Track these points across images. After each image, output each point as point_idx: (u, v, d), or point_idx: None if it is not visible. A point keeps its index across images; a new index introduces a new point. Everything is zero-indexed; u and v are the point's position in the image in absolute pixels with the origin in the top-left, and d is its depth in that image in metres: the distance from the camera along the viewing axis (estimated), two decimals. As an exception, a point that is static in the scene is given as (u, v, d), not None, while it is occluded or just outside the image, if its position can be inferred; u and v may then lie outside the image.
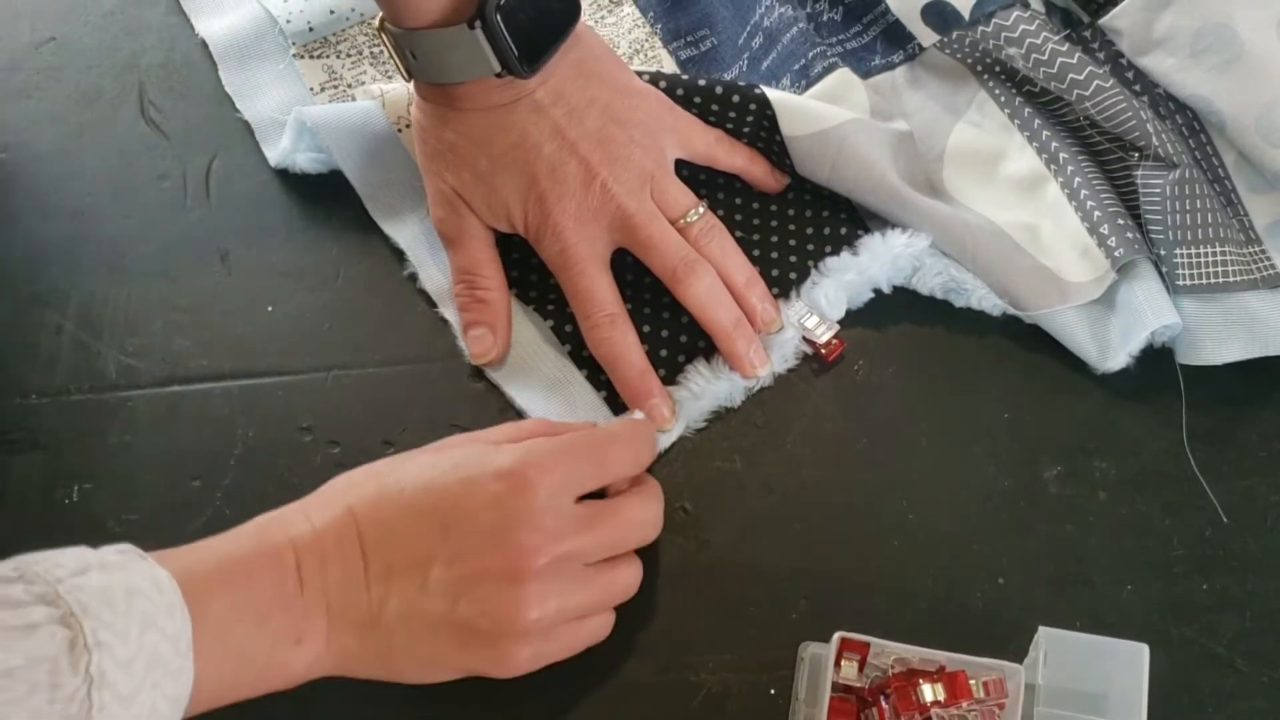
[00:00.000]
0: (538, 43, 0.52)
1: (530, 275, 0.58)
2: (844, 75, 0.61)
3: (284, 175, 0.61)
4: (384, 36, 0.53)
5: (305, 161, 0.60)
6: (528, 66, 0.52)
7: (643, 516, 0.49)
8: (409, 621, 0.44)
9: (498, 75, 0.52)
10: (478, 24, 0.50)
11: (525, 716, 0.50)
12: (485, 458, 0.46)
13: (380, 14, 0.53)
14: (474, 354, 0.56)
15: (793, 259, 0.58)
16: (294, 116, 0.59)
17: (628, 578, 0.49)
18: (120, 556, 0.39)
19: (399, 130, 0.60)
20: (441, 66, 0.52)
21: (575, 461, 0.47)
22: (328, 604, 0.44)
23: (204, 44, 0.64)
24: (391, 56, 0.54)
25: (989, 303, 0.56)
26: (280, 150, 0.61)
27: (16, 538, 0.52)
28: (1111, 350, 0.55)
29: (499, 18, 0.50)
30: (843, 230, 0.58)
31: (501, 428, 0.51)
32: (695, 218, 0.56)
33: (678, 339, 0.56)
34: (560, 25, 0.53)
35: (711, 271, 0.55)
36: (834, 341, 0.56)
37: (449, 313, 0.57)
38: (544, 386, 0.56)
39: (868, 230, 0.58)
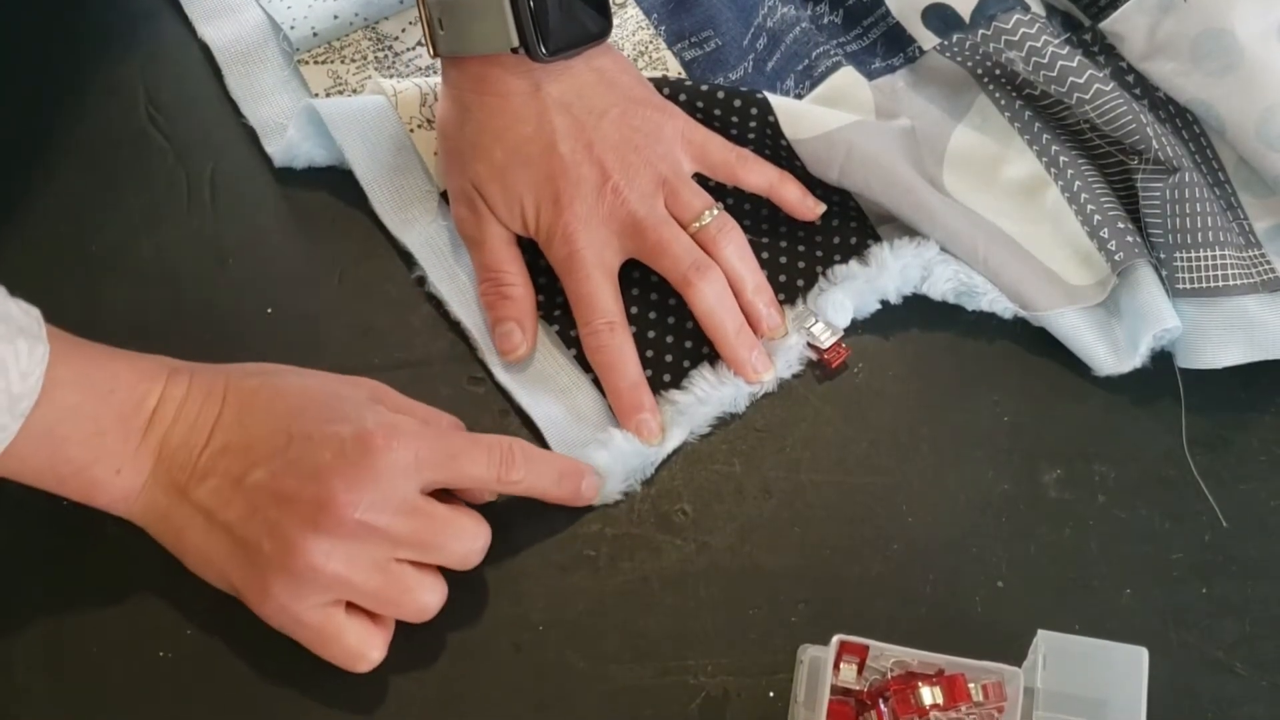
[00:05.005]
0: (563, 35, 0.54)
1: (539, 279, 0.58)
2: (849, 74, 0.61)
3: (286, 179, 0.61)
4: (420, 7, 0.55)
5: (311, 149, 0.60)
6: (546, 48, 0.53)
7: (468, 533, 0.48)
8: (212, 509, 0.46)
9: (514, 51, 0.53)
10: None
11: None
12: (361, 410, 0.48)
13: None
14: (502, 350, 0.56)
15: (801, 265, 0.58)
16: (304, 106, 0.59)
17: (425, 593, 0.48)
18: (25, 318, 0.44)
19: (411, 131, 0.60)
20: (465, 34, 0.54)
21: (429, 449, 0.47)
22: (159, 454, 0.46)
23: (206, 49, 0.65)
24: (424, 30, 0.55)
25: (1000, 305, 0.56)
26: (286, 142, 0.60)
27: (17, 541, 0.52)
28: (1121, 353, 0.55)
29: None
30: (853, 240, 0.58)
31: (419, 405, 0.52)
32: (710, 219, 0.56)
33: (683, 344, 0.57)
34: (590, 32, 0.55)
35: (721, 277, 0.55)
36: (839, 348, 0.56)
37: (461, 313, 0.57)
38: (549, 390, 0.56)
39: (878, 239, 0.58)
